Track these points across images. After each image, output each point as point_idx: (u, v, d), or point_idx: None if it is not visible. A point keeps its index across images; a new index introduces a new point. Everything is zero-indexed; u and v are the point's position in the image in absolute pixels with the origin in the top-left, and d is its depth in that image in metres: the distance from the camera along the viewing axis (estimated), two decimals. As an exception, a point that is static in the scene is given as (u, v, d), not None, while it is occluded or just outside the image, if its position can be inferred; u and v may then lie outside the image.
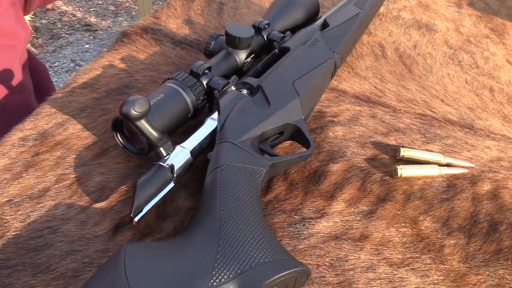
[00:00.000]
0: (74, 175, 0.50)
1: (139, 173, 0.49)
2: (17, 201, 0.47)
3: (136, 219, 0.43)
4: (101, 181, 0.50)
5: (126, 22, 2.59)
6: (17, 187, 0.48)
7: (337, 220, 0.48)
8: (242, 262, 0.38)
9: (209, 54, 0.62)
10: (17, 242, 0.44)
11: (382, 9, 0.82)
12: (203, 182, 0.46)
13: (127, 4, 2.77)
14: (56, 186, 0.49)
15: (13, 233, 0.45)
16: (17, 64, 0.78)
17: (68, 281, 0.41)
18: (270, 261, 0.39)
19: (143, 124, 0.44)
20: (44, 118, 0.56)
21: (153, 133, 0.45)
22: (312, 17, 0.71)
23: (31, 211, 0.46)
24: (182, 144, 0.48)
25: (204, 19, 0.76)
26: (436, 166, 0.53)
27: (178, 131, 0.51)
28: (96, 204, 0.48)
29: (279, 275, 0.38)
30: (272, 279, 0.38)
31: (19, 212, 0.46)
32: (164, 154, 0.47)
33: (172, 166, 0.46)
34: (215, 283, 0.37)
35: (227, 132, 0.49)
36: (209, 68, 0.55)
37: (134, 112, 0.42)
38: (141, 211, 0.43)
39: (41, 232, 0.45)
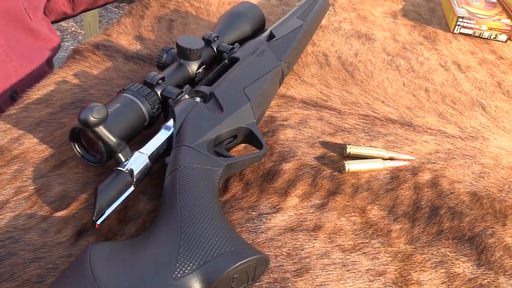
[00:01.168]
0: (33, 187, 0.51)
1: (98, 181, 0.50)
2: (-24, 215, 0.47)
3: (98, 222, 0.44)
4: (61, 191, 0.51)
5: (72, 47, 2.57)
6: (-25, 201, 0.49)
7: (292, 214, 0.51)
8: (204, 253, 0.40)
9: (162, 67, 0.64)
10: (-22, 254, 0.44)
11: (324, 22, 0.87)
12: (162, 186, 0.48)
13: (73, 29, 2.75)
14: (15, 198, 0.49)
15: (-27, 245, 0.45)
16: (46, 66, 0.86)
17: (32, 286, 0.42)
18: (230, 250, 0.41)
19: (102, 130, 0.45)
20: (0, 133, 0.56)
21: (112, 139, 0.46)
22: (258, 29, 0.74)
23: (-9, 223, 0.47)
24: (140, 150, 0.50)
25: (154, 35, 0.78)
26: (380, 160, 0.58)
27: (134, 141, 0.53)
28: (57, 213, 0.49)
29: (239, 263, 0.40)
30: (233, 266, 0.40)
31: (-21, 225, 0.46)
32: (123, 160, 0.49)
33: (131, 171, 0.48)
34: (179, 275, 0.39)
35: (183, 137, 0.51)
36: (163, 79, 0.58)
37: (92, 118, 0.44)
38: (103, 214, 0.45)
39: (2, 242, 0.45)
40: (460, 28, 0.88)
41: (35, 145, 0.55)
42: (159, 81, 0.57)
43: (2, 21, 0.75)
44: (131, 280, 0.38)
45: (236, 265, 0.40)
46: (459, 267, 0.48)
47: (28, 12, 0.81)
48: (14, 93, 0.77)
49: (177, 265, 0.40)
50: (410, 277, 0.47)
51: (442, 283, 0.46)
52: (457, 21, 0.88)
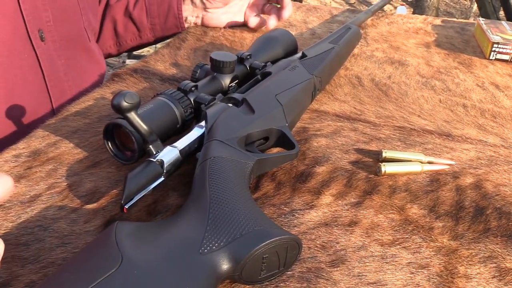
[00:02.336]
0: (66, 183, 0.51)
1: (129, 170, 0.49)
2: (8, 205, 0.47)
3: (126, 206, 0.43)
4: (92, 187, 0.51)
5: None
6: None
7: (326, 211, 0.49)
8: (232, 231, 0.39)
9: (196, 81, 0.65)
10: (7, 239, 0.43)
11: (356, 51, 0.88)
12: (192, 184, 0.47)
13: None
14: (47, 192, 0.50)
15: (2, 231, 0.44)
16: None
17: (57, 268, 0.41)
18: (260, 229, 0.39)
19: (134, 116, 0.46)
20: (38, 139, 0.57)
21: (143, 126, 0.47)
22: (290, 53, 0.76)
23: (22, 213, 0.47)
24: (171, 144, 0.50)
25: (190, 62, 0.80)
26: (419, 163, 0.55)
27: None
28: (87, 206, 0.48)
29: (269, 241, 0.38)
30: (262, 244, 0.38)
31: (10, 214, 0.46)
32: (154, 152, 0.49)
33: (162, 162, 0.47)
34: (206, 250, 0.38)
35: (214, 133, 0.51)
36: (196, 87, 0.59)
37: (125, 103, 0.45)
38: (131, 199, 0.44)
39: (31, 229, 0.45)
40: (496, 54, 0.87)
41: (71, 149, 0.56)
42: (192, 88, 0.58)
43: (65, 41, 0.79)
44: (156, 252, 0.37)
45: (266, 243, 0.38)
46: (511, 263, 0.44)
47: (87, 32, 0.85)
48: None
49: (204, 241, 0.38)
50: (456, 270, 0.43)
51: (493, 277, 0.42)
52: (492, 47, 0.87)
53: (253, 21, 0.95)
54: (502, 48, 0.87)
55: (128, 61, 2.92)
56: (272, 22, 0.93)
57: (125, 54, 3.44)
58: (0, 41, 0.69)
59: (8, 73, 0.70)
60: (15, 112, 0.71)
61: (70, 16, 0.81)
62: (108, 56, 1.02)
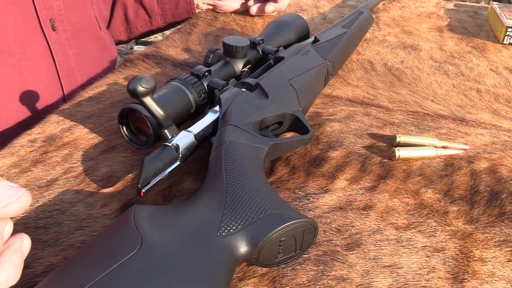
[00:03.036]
0: (82, 168, 0.51)
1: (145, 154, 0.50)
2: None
3: (143, 190, 0.43)
4: (108, 172, 0.51)
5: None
6: (26, 178, 0.49)
7: (341, 195, 0.49)
8: (250, 215, 0.39)
9: (208, 66, 0.65)
10: (25, 223, 0.44)
11: (368, 35, 0.87)
12: (207, 169, 0.47)
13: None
14: (64, 177, 0.50)
15: (21, 216, 0.45)
16: None
17: (76, 250, 0.41)
18: (277, 212, 0.40)
19: (149, 100, 0.46)
20: (52, 124, 0.58)
21: (159, 111, 0.47)
22: (302, 38, 0.75)
23: (40, 197, 0.47)
24: (186, 129, 0.50)
25: (201, 47, 0.80)
26: (433, 148, 0.55)
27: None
28: (104, 190, 0.49)
29: (286, 224, 0.39)
30: (279, 227, 0.38)
31: (28, 198, 0.47)
32: (170, 136, 0.49)
33: (177, 146, 0.48)
34: (223, 233, 0.38)
35: (229, 118, 0.51)
36: (209, 72, 0.58)
37: (141, 88, 0.45)
38: (148, 183, 0.44)
39: (50, 213, 0.45)
40: (510, 39, 0.86)
41: (85, 134, 0.57)
42: (206, 73, 0.58)
43: (76, 30, 0.79)
44: (174, 234, 0.37)
45: (283, 226, 0.38)
46: (526, 246, 0.44)
47: (98, 20, 0.85)
48: None
49: (222, 224, 0.38)
50: (471, 254, 0.43)
51: (508, 261, 0.43)
52: (506, 31, 0.86)
53: (254, 9, 0.94)
54: (516, 32, 0.85)
55: (136, 47, 2.91)
56: (269, 8, 0.92)
57: (133, 40, 3.45)
58: (12, 31, 0.69)
59: (21, 63, 0.71)
60: (27, 102, 0.72)
61: (80, 5, 0.81)
62: (118, 42, 1.02)
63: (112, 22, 0.97)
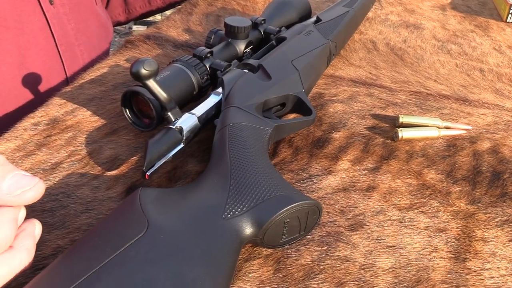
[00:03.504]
0: (86, 151, 0.52)
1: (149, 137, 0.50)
2: (31, 173, 0.48)
3: (148, 173, 0.44)
4: (112, 154, 0.51)
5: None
6: (30, 162, 0.50)
7: (344, 176, 0.49)
8: (254, 196, 0.39)
9: (210, 47, 0.65)
10: (32, 205, 0.44)
11: (370, 14, 0.86)
12: (210, 151, 0.47)
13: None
14: (68, 160, 0.50)
15: (28, 199, 0.45)
16: (105, 53, 0.90)
17: (83, 233, 0.42)
18: (281, 194, 0.40)
19: (153, 83, 0.46)
20: (55, 107, 0.58)
21: (162, 93, 0.47)
22: (304, 17, 0.75)
23: (45, 181, 0.47)
24: (189, 111, 0.50)
25: (203, 28, 0.80)
26: (436, 128, 0.55)
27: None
28: (108, 172, 0.49)
29: (291, 206, 0.39)
30: (284, 209, 0.39)
31: (33, 181, 0.47)
32: (173, 119, 0.49)
33: (181, 129, 0.48)
34: (229, 215, 0.38)
35: (232, 100, 0.51)
36: (211, 53, 0.58)
37: (144, 70, 0.45)
38: (153, 166, 0.44)
39: (55, 196, 0.46)
40: (513, 17, 0.86)
41: (88, 117, 0.57)
42: (208, 55, 0.57)
43: (73, 4, 0.79)
44: (180, 217, 0.37)
45: (287, 208, 0.39)
46: (528, 226, 0.44)
47: None
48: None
49: (227, 206, 0.39)
50: (473, 234, 0.43)
51: (510, 241, 0.43)
52: (509, 9, 0.85)
53: None
54: (520, 10, 0.85)
55: (134, 27, 2.89)
56: None
57: (132, 19, 3.42)
58: (9, 4, 0.68)
59: (20, 38, 0.70)
60: (29, 79, 0.71)
61: None
62: (117, 24, 1.01)
63: (111, 2, 0.96)
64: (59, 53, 0.76)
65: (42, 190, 0.34)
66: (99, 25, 0.86)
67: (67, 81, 0.78)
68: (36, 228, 0.36)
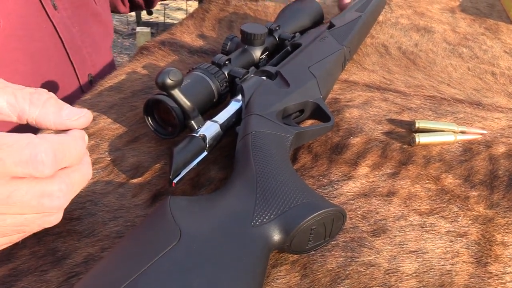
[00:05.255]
0: (109, 158, 0.52)
1: (173, 145, 0.51)
2: (58, 181, 0.49)
3: (175, 181, 0.45)
4: (136, 162, 0.52)
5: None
6: (56, 170, 0.51)
7: (364, 182, 0.50)
8: (281, 204, 0.40)
9: (226, 54, 0.66)
10: (61, 214, 0.46)
11: (380, 18, 0.87)
12: (232, 157, 0.48)
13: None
14: (93, 167, 0.51)
15: (56, 207, 0.46)
16: (110, 52, 0.91)
17: (112, 241, 0.43)
18: (307, 201, 0.41)
19: (178, 93, 0.47)
20: (76, 115, 0.59)
21: (187, 102, 0.48)
22: (317, 23, 0.76)
23: (71, 188, 0.48)
24: (212, 119, 0.51)
25: (216, 33, 0.81)
26: (452, 133, 0.56)
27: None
28: (133, 180, 0.50)
29: (317, 213, 0.40)
30: (311, 216, 0.40)
31: (60, 189, 0.48)
32: (196, 127, 0.50)
33: (204, 136, 0.49)
34: (257, 223, 0.39)
35: (252, 107, 0.52)
36: (229, 60, 0.59)
37: (169, 81, 0.46)
38: (179, 174, 0.45)
39: (82, 204, 0.47)
40: (522, 19, 0.87)
41: (109, 124, 0.58)
42: (226, 62, 0.58)
43: (75, 8, 0.79)
44: (211, 225, 0.38)
45: (314, 215, 0.40)
46: (546, 230, 0.45)
47: None
48: (92, 77, 0.81)
49: (255, 214, 0.40)
50: (493, 238, 0.44)
51: (530, 245, 0.44)
52: (519, 11, 0.86)
53: None
54: (529, 12, 0.86)
55: (138, 29, 2.90)
56: None
57: (134, 21, 3.43)
58: (16, 15, 0.69)
59: (31, 46, 0.71)
60: (43, 86, 0.72)
61: None
62: (114, 11, 1.02)
63: None
64: (69, 57, 0.77)
65: (91, 117, 0.42)
66: (100, 24, 0.87)
67: (80, 84, 0.79)
68: (86, 151, 0.42)
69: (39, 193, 0.36)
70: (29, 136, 0.36)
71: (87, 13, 0.83)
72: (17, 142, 0.35)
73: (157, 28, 3.30)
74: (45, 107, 0.40)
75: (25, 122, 0.40)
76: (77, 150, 0.39)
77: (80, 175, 0.39)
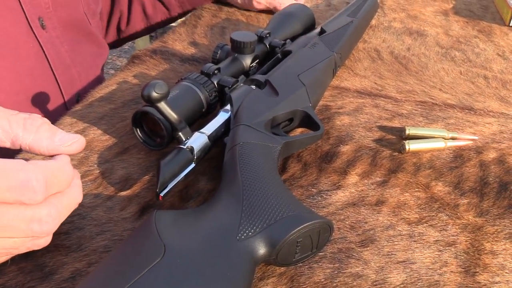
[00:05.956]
0: (98, 171, 0.52)
1: (160, 158, 0.51)
2: (46, 195, 0.49)
3: (162, 194, 0.45)
4: (124, 174, 0.52)
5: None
6: (45, 183, 0.51)
7: (353, 191, 0.50)
8: (267, 218, 0.40)
9: (216, 63, 0.66)
10: (49, 228, 0.45)
11: (373, 22, 0.87)
12: (221, 168, 0.48)
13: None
14: (82, 180, 0.51)
15: (44, 221, 0.46)
16: (101, 72, 0.91)
17: (100, 255, 0.43)
18: (293, 214, 0.41)
19: (164, 105, 0.47)
20: (66, 127, 0.59)
21: (173, 115, 0.48)
22: (308, 28, 0.75)
23: (60, 202, 0.48)
24: (199, 130, 0.51)
25: (208, 40, 0.81)
26: (442, 139, 0.56)
27: (192, 128, 0.54)
28: (121, 193, 0.50)
29: (303, 225, 0.40)
30: (297, 229, 0.40)
31: (49, 203, 0.48)
32: (184, 139, 0.50)
33: (192, 148, 0.49)
34: (242, 237, 0.39)
35: (240, 118, 0.52)
36: (219, 69, 0.59)
37: (155, 94, 0.46)
38: (166, 187, 0.45)
39: (71, 218, 0.47)
40: (516, 21, 0.86)
41: (99, 136, 0.58)
42: (215, 71, 0.58)
43: (66, 28, 0.79)
44: (196, 240, 0.38)
45: (300, 228, 0.40)
46: (536, 238, 0.45)
47: (87, 16, 0.85)
48: (79, 97, 0.80)
49: (240, 227, 0.40)
50: (482, 247, 0.44)
51: (519, 253, 0.44)
52: (512, 13, 0.86)
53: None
54: (523, 14, 0.85)
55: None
56: None
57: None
58: (3, 33, 0.68)
59: (16, 65, 0.70)
60: (27, 105, 0.71)
61: (68, 1, 0.81)
62: (137, 37, 1.03)
63: (131, 20, 0.98)
64: (55, 76, 0.76)
65: (84, 143, 0.43)
66: (93, 44, 0.86)
67: (65, 102, 0.78)
68: (77, 173, 0.43)
69: (29, 218, 0.36)
70: (21, 162, 0.36)
71: (78, 33, 0.83)
72: (10, 168, 0.36)
73: (156, 31, 3.29)
74: (38, 132, 0.40)
75: (18, 148, 0.41)
76: (66, 176, 0.39)
77: (69, 199, 0.40)
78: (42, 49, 0.73)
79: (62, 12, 0.78)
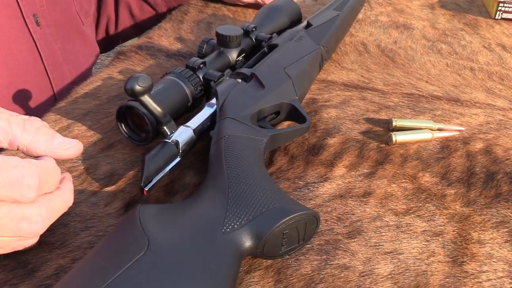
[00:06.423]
0: (83, 167, 0.52)
1: (145, 152, 0.50)
2: (29, 192, 0.48)
3: (146, 188, 0.44)
4: (109, 169, 0.52)
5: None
6: (28, 180, 0.50)
7: (340, 182, 0.50)
8: (253, 209, 0.40)
9: (202, 57, 0.65)
10: (32, 225, 0.45)
11: (360, 16, 0.87)
12: (207, 162, 0.48)
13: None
14: (66, 176, 0.50)
15: (27, 218, 0.45)
16: (91, 72, 0.90)
17: (84, 251, 0.42)
18: (279, 206, 0.40)
19: (147, 99, 0.46)
20: (50, 123, 0.58)
21: (157, 108, 0.47)
22: (295, 22, 0.75)
23: (43, 199, 0.48)
24: (185, 124, 0.51)
25: (194, 36, 0.80)
26: (429, 130, 0.56)
27: (178, 122, 0.53)
28: (106, 188, 0.49)
29: (289, 217, 0.39)
30: (282, 221, 0.39)
31: (32, 200, 0.47)
32: (169, 132, 0.49)
33: (177, 142, 0.48)
34: (228, 229, 0.39)
35: (226, 111, 0.51)
36: (204, 63, 0.58)
37: (138, 87, 0.45)
38: (150, 181, 0.45)
39: (54, 214, 0.46)
40: (501, 14, 0.86)
41: (84, 132, 0.57)
42: (201, 65, 0.58)
43: (59, 26, 0.79)
44: (181, 233, 0.38)
45: (286, 219, 0.39)
46: (522, 226, 0.45)
47: (80, 15, 0.85)
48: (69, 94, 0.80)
49: (226, 220, 0.39)
50: (470, 236, 0.44)
51: (505, 242, 0.44)
52: (497, 6, 0.86)
53: None
54: (508, 7, 0.86)
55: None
56: None
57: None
58: None
59: (8, 59, 0.70)
60: (18, 99, 0.71)
61: (61, 0, 0.81)
62: (127, 39, 1.02)
63: (119, 23, 0.97)
64: (47, 73, 0.76)
65: (81, 148, 0.43)
66: (85, 44, 0.86)
67: (55, 99, 0.78)
68: (70, 176, 0.43)
69: (19, 216, 0.36)
70: (16, 158, 0.36)
71: (71, 32, 0.83)
72: (4, 164, 0.35)
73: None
74: (37, 134, 0.41)
75: (15, 149, 0.41)
76: (56, 177, 0.40)
77: (61, 201, 0.40)
78: (36, 45, 0.73)
79: (56, 11, 0.78)
